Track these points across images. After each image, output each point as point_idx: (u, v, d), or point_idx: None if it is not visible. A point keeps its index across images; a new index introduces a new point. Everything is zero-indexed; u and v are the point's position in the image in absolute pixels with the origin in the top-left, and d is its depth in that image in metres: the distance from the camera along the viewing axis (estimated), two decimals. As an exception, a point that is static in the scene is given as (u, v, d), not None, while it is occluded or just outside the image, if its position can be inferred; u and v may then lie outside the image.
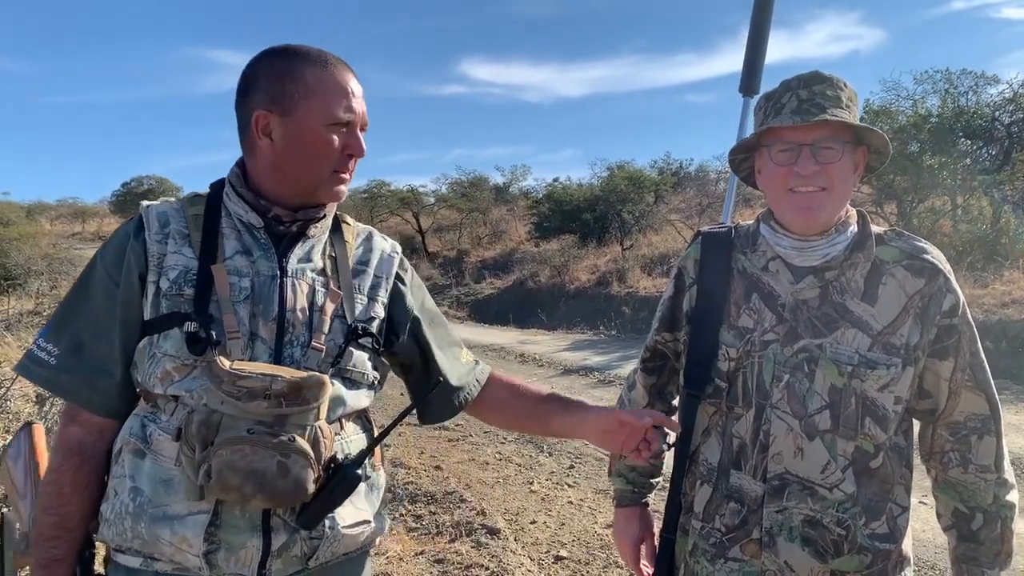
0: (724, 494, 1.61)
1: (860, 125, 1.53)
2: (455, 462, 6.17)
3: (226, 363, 1.31)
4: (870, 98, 14.79)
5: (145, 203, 1.52)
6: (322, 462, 1.34)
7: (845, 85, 1.56)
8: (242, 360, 1.37)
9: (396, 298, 1.62)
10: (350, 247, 1.58)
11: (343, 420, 1.48)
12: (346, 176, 1.51)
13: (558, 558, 4.37)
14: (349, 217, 1.66)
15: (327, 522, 1.41)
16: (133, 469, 1.39)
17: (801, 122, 1.50)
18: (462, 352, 1.72)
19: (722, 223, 1.94)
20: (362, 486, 1.49)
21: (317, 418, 1.34)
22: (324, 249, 1.54)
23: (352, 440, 1.48)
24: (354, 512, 1.47)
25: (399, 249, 1.69)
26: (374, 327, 1.54)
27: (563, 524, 4.91)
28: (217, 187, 1.54)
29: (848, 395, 1.52)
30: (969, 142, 14.27)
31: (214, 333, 1.37)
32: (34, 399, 4.29)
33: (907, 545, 1.61)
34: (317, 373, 1.35)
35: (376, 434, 1.52)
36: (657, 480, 1.88)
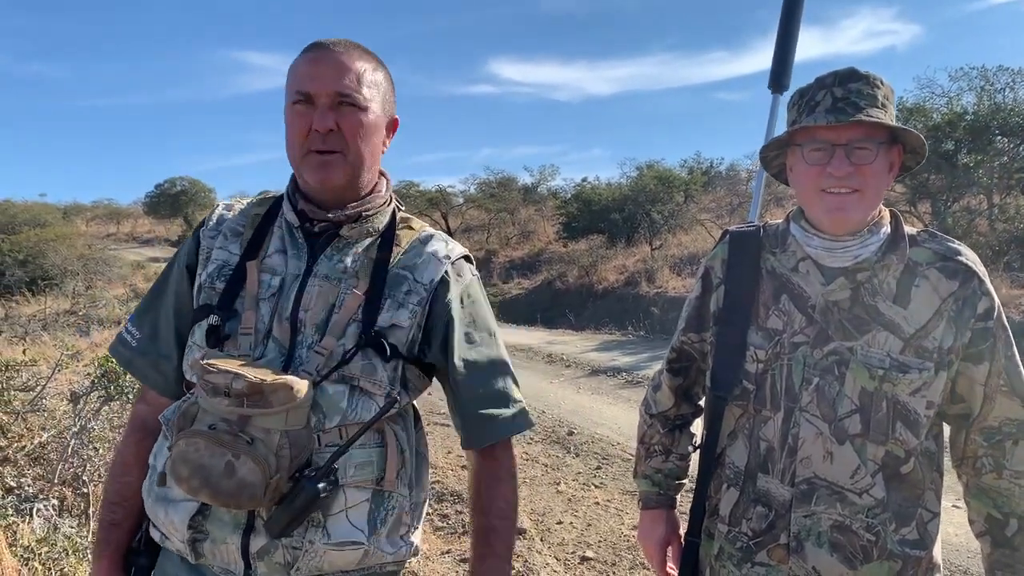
0: (751, 498, 1.59)
1: (896, 126, 1.50)
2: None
3: (210, 359, 1.34)
4: (904, 96, 14.60)
5: (220, 201, 1.61)
6: (287, 470, 1.31)
7: (882, 82, 1.53)
8: (246, 356, 1.39)
9: (435, 304, 1.51)
10: (399, 251, 1.52)
11: (344, 430, 1.40)
12: (327, 158, 1.43)
13: (584, 559, 4.36)
14: (418, 221, 1.61)
15: (307, 534, 1.37)
16: (158, 449, 1.48)
17: (835, 122, 1.47)
18: (501, 391, 1.57)
19: (750, 222, 1.92)
20: (365, 506, 1.42)
21: (286, 423, 1.31)
22: (368, 250, 1.50)
23: (352, 452, 1.39)
24: (347, 530, 1.40)
25: (458, 254, 1.57)
26: (399, 337, 1.45)
27: (590, 525, 4.91)
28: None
29: (879, 399, 1.50)
30: (1006, 140, 14.00)
31: (228, 327, 1.42)
32: (68, 397, 4.37)
33: (937, 552, 1.58)
34: (291, 378, 1.32)
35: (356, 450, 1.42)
36: (683, 482, 1.86)
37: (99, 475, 4.14)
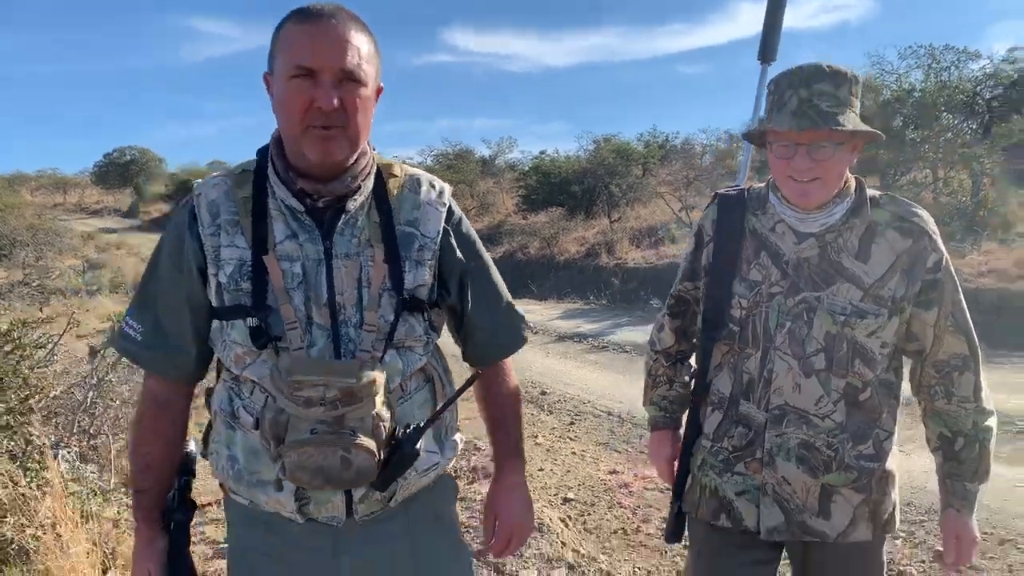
0: (733, 420, 1.81)
1: (854, 130, 1.63)
2: (463, 419, 6.36)
3: (294, 376, 1.37)
4: (856, 71, 14.90)
5: (197, 184, 1.52)
6: (384, 439, 1.41)
7: (846, 77, 1.65)
8: (300, 348, 1.41)
9: (445, 253, 1.57)
10: (395, 207, 1.52)
11: (404, 383, 1.52)
12: (329, 132, 1.38)
13: (566, 500, 4.61)
14: (398, 166, 1.58)
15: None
16: (228, 440, 1.50)
17: (797, 129, 1.62)
18: (507, 314, 1.71)
19: (737, 185, 2.09)
20: (430, 432, 1.54)
21: (374, 406, 1.39)
22: (368, 215, 1.49)
23: (414, 397, 1.53)
24: (426, 458, 1.54)
25: (447, 194, 1.61)
26: (423, 294, 1.52)
27: (568, 471, 5.14)
28: (262, 155, 1.51)
29: (840, 340, 1.70)
30: (951, 116, 14.24)
31: (273, 326, 1.42)
32: (82, 355, 4.47)
33: (891, 464, 1.81)
34: (371, 373, 1.39)
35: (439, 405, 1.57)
36: (686, 406, 2.03)
37: (116, 425, 4.31)
